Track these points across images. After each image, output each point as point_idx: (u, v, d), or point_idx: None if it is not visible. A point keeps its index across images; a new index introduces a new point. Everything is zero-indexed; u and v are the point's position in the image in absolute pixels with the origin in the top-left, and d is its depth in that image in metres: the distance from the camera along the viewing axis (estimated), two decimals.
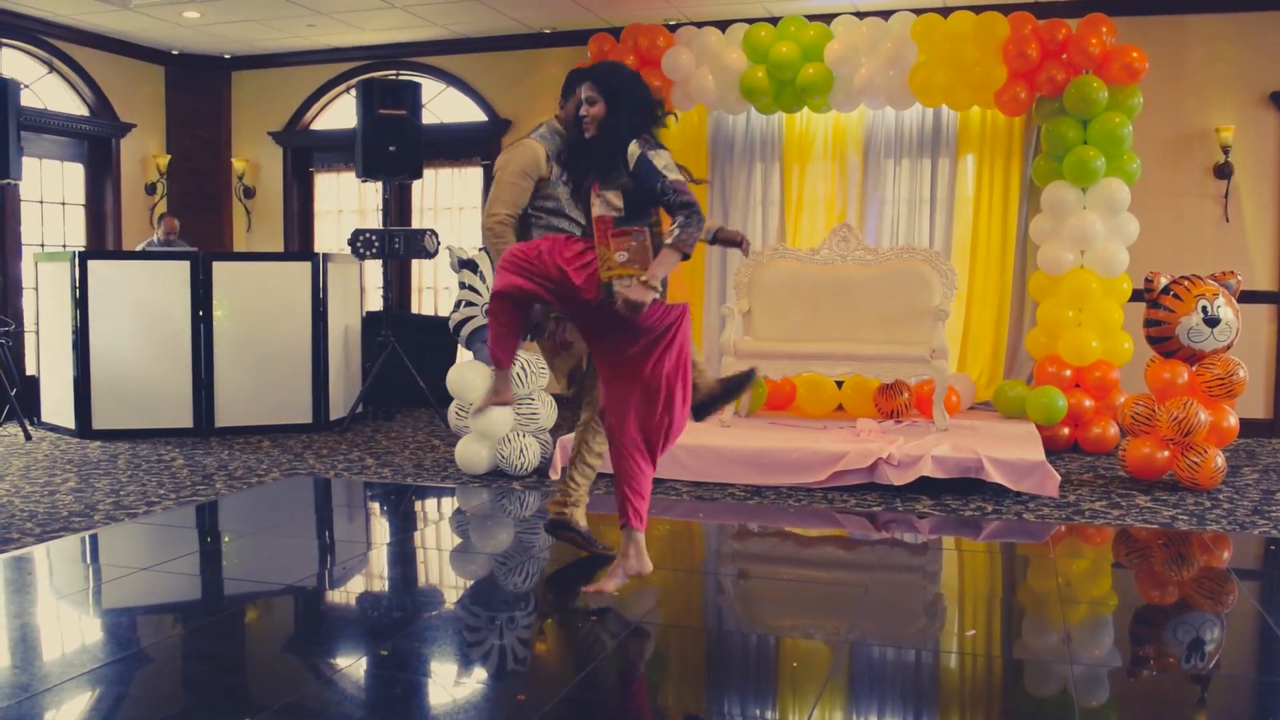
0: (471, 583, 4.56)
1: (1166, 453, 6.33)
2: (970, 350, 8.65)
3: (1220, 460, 6.22)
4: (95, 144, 10.34)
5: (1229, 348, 6.25)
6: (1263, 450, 7.77)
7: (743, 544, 5.21)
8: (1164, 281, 6.32)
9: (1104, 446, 7.53)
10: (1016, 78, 7.67)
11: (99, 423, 7.98)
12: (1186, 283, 6.25)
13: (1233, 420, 6.32)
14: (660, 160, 3.81)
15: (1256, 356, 8.15)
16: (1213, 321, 6.13)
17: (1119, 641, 3.92)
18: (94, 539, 5.10)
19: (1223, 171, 8.26)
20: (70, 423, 8.06)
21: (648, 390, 3.90)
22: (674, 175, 3.80)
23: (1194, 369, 6.27)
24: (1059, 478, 6.10)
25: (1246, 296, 7.05)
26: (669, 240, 3.75)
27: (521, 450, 6.55)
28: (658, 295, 3.76)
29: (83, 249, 9.97)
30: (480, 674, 3.47)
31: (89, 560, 4.87)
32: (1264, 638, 3.88)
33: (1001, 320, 8.57)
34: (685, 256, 3.79)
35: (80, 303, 7.88)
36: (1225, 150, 8.22)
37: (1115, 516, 5.65)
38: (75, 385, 7.96)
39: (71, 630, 3.87)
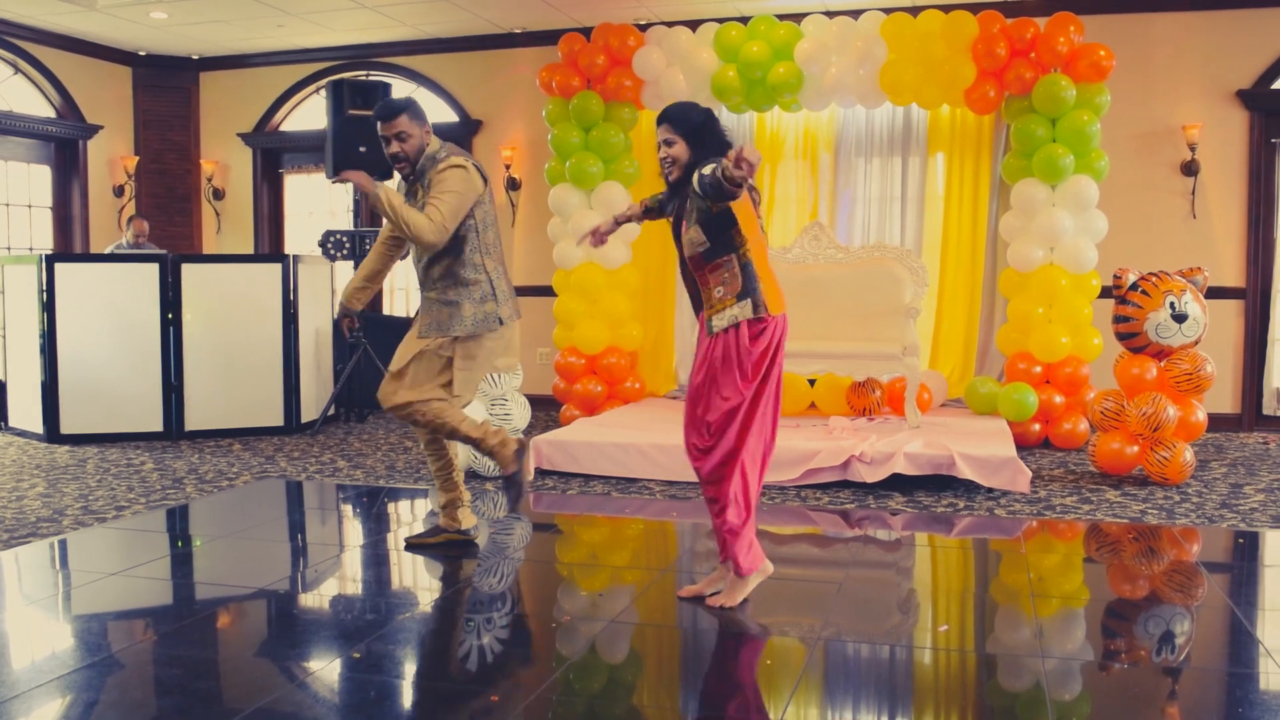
0: (445, 584, 4.54)
1: (1136, 448, 6.38)
2: (942, 347, 8.70)
3: (1189, 455, 6.27)
4: (62, 146, 10.25)
5: (1197, 343, 6.31)
6: (1230, 444, 7.84)
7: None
8: (1132, 278, 6.37)
9: (1074, 442, 7.58)
10: (985, 76, 7.71)
11: (67, 427, 7.91)
12: (1154, 279, 6.30)
13: (1201, 415, 6.37)
14: (708, 166, 3.75)
15: (1224, 351, 8.23)
16: (1180, 317, 6.18)
17: (1090, 635, 3.95)
18: (63, 544, 5.05)
19: (1190, 169, 8.33)
20: (38, 427, 7.99)
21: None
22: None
23: (1162, 364, 6.32)
24: (1030, 474, 6.14)
25: (1213, 292, 7.12)
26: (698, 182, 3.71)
27: None
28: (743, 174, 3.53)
29: (50, 252, 9.88)
30: (454, 675, 3.46)
31: (58, 566, 4.83)
32: (1233, 630, 3.91)
33: (972, 317, 8.62)
34: (727, 182, 3.56)
35: (48, 306, 7.81)
36: (1192, 148, 8.29)
37: (1086, 512, 5.69)
38: (43, 389, 7.89)
39: (40, 637, 3.83)
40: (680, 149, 3.85)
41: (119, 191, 10.61)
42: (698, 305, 3.98)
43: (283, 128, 10.93)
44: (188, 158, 11.00)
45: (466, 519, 4.89)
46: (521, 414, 6.84)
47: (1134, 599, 4.39)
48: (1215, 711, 3.20)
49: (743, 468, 3.90)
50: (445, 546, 4.86)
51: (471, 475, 6.62)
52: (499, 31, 9.68)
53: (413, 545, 4.89)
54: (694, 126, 3.85)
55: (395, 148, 4.42)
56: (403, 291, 10.65)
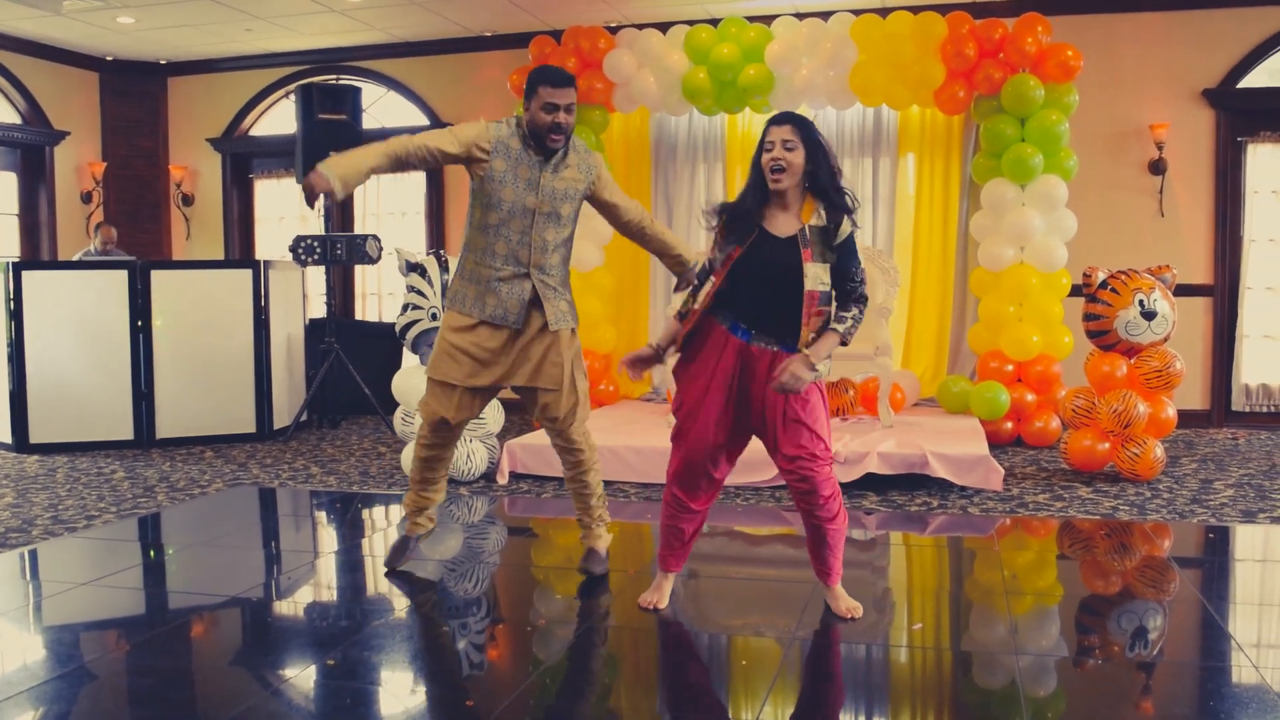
0: (420, 589, 4.52)
1: (1107, 445, 6.43)
2: (914, 347, 8.73)
3: (1159, 451, 6.32)
4: (28, 152, 10.15)
5: (1166, 340, 6.36)
6: (1200, 440, 7.91)
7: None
8: (1101, 276, 6.41)
9: (1046, 440, 7.63)
10: (955, 77, 7.75)
11: (36, 436, 7.83)
12: (1124, 277, 6.35)
13: (1171, 411, 6.42)
14: (858, 244, 3.72)
15: (1193, 348, 8.30)
16: (1149, 315, 6.23)
17: (1064, 631, 3.97)
18: (33, 554, 5.00)
19: (1157, 167, 8.40)
20: (7, 437, 7.90)
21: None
22: (863, 263, 3.73)
23: (1132, 362, 6.36)
24: (1002, 471, 6.18)
25: (1182, 290, 7.18)
26: (840, 327, 3.65)
27: (469, 456, 6.52)
28: (819, 375, 3.64)
29: (17, 259, 9.78)
30: (429, 680, 3.45)
31: (28, 576, 4.78)
32: (1205, 624, 3.94)
33: (944, 317, 8.66)
34: (843, 344, 3.69)
35: (15, 314, 7.73)
36: (1159, 146, 8.36)
37: (1058, 508, 5.72)
38: (11, 399, 7.80)
39: (11, 648, 3.79)
40: (799, 156, 3.65)
41: (87, 198, 10.52)
42: (773, 329, 3.68)
43: (252, 133, 10.86)
44: (156, 163, 10.92)
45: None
46: (495, 418, 6.82)
47: (1107, 595, 4.42)
48: (1188, 705, 3.23)
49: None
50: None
51: (450, 481, 6.59)
52: (469, 35, 9.66)
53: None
54: (817, 139, 3.71)
55: (564, 119, 4.16)
56: (375, 297, 10.60)
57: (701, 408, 3.75)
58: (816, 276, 3.62)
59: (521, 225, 4.17)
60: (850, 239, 3.69)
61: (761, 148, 3.71)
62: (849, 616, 3.88)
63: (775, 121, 3.72)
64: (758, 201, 3.73)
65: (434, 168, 4.23)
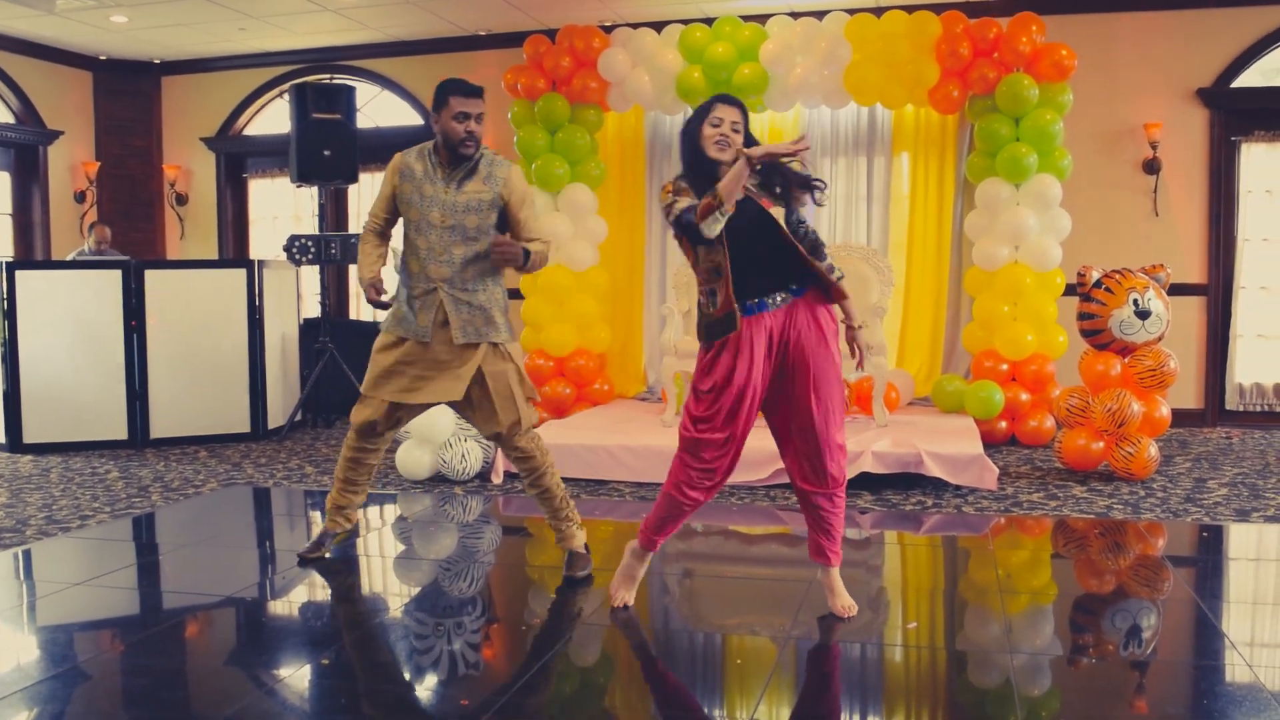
0: (415, 589, 4.52)
1: (1101, 444, 6.44)
2: (908, 346, 8.74)
3: (1153, 450, 6.33)
4: (22, 151, 10.14)
5: (1160, 339, 6.37)
6: (1194, 439, 7.92)
7: (686, 543, 5.22)
8: (1096, 275, 6.42)
9: (1041, 439, 7.64)
10: (949, 76, 7.76)
11: (30, 436, 7.81)
12: (1118, 276, 6.35)
13: (1165, 410, 6.43)
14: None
15: (1187, 347, 8.32)
16: (1144, 314, 6.24)
17: (1058, 630, 3.97)
18: (27, 554, 4.99)
19: (1151, 167, 8.41)
20: (0, 437, 7.89)
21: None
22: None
23: (1126, 361, 6.37)
24: (997, 471, 6.18)
25: (1176, 289, 7.17)
26: (837, 277, 3.72)
27: (463, 455, 6.52)
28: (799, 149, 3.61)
29: (10, 259, 9.76)
30: (423, 680, 3.45)
31: (21, 576, 4.77)
32: (1198, 623, 3.95)
33: (938, 316, 8.66)
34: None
35: (9, 314, 7.71)
36: (1154, 146, 8.37)
37: (1053, 508, 5.73)
38: (5, 399, 7.79)
39: (5, 648, 3.77)
40: (740, 140, 3.74)
41: (80, 197, 10.51)
42: (772, 283, 3.71)
43: (246, 132, 10.85)
44: (150, 163, 10.90)
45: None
46: None
47: (1101, 594, 4.42)
48: (1182, 704, 3.23)
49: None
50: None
51: (440, 479, 6.60)
52: (463, 34, 9.65)
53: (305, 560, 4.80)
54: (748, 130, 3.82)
55: (475, 128, 4.25)
56: None
57: (741, 401, 3.70)
58: (781, 215, 3.72)
59: (428, 242, 4.30)
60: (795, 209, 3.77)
61: (706, 121, 3.74)
62: (845, 615, 3.88)
63: (725, 101, 3.78)
64: (709, 176, 3.71)
65: (395, 217, 4.42)
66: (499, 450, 6.57)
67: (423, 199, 4.28)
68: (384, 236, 4.52)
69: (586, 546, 4.53)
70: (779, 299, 3.69)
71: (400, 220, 4.43)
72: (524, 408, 4.40)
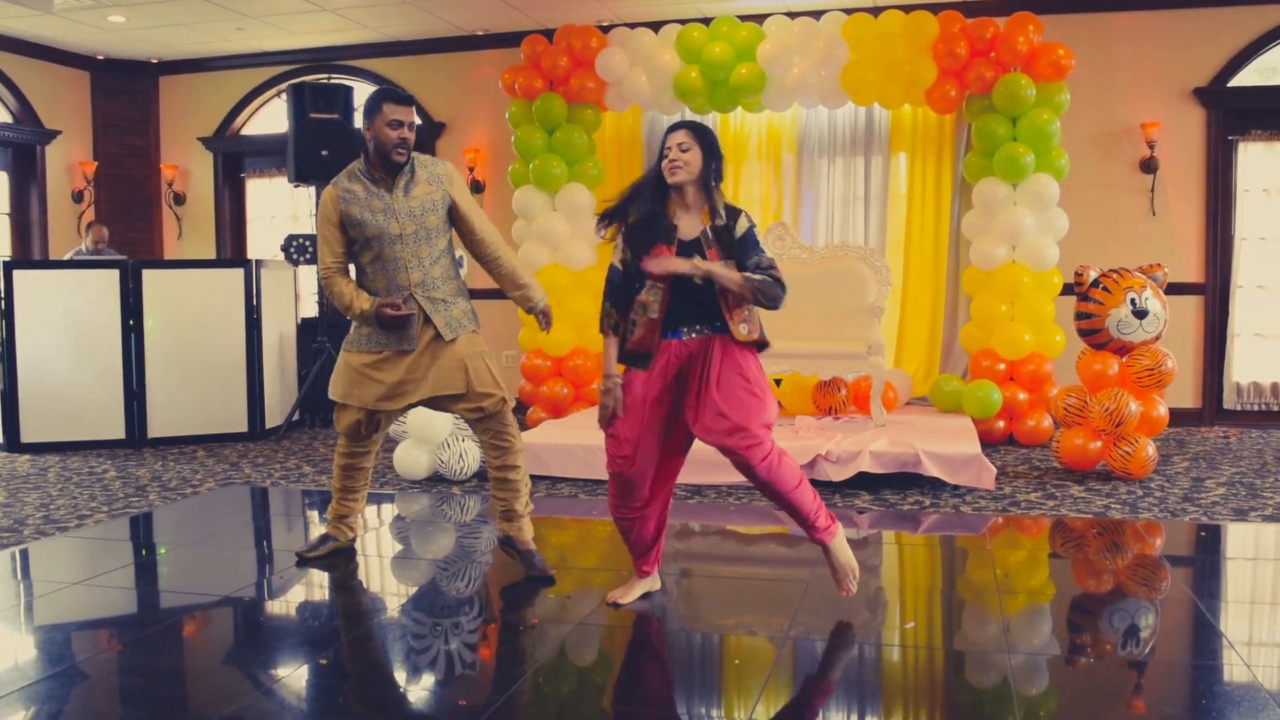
0: (412, 588, 4.52)
1: (1099, 443, 6.44)
2: (906, 346, 8.74)
3: (1151, 450, 6.34)
4: (19, 151, 10.13)
5: (1157, 339, 6.37)
6: (1192, 439, 7.92)
7: (684, 543, 5.22)
8: (1093, 275, 6.42)
9: (1038, 439, 7.64)
10: (946, 76, 7.76)
11: (28, 436, 7.81)
12: (1115, 276, 6.36)
13: (1162, 410, 6.43)
14: (758, 234, 3.86)
15: (1184, 347, 8.33)
16: (1141, 313, 6.24)
17: (1056, 630, 3.97)
18: (24, 554, 4.99)
19: (1149, 166, 8.42)
20: None
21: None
22: (767, 253, 3.84)
23: (1124, 360, 6.38)
24: (995, 470, 6.18)
25: (1173, 288, 7.18)
26: (751, 276, 3.74)
27: (461, 455, 6.52)
28: (694, 273, 3.71)
29: (8, 258, 9.76)
30: (421, 679, 3.44)
31: (19, 576, 4.77)
32: (1196, 622, 3.95)
33: (936, 316, 8.66)
34: (747, 300, 3.79)
35: (6, 314, 7.71)
36: (1151, 145, 8.38)
37: (1050, 507, 5.73)
38: (2, 398, 7.79)
39: (3, 647, 3.77)
40: (695, 156, 3.79)
41: (78, 197, 10.50)
42: (694, 318, 3.84)
43: (244, 131, 10.84)
44: (148, 162, 10.89)
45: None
46: None
47: (1099, 593, 4.43)
48: (1180, 703, 3.23)
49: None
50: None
51: (438, 479, 6.60)
52: (461, 34, 9.65)
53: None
54: (711, 142, 3.85)
55: (407, 134, 4.31)
56: None
57: (640, 418, 3.85)
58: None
59: (392, 253, 4.35)
60: (749, 234, 3.82)
61: (661, 155, 3.86)
62: (842, 594, 3.95)
63: (671, 129, 3.89)
64: (661, 202, 3.86)
65: (349, 252, 4.45)
66: None
67: (374, 215, 4.33)
68: (347, 272, 4.52)
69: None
70: (696, 329, 3.83)
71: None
72: (504, 384, 4.54)
